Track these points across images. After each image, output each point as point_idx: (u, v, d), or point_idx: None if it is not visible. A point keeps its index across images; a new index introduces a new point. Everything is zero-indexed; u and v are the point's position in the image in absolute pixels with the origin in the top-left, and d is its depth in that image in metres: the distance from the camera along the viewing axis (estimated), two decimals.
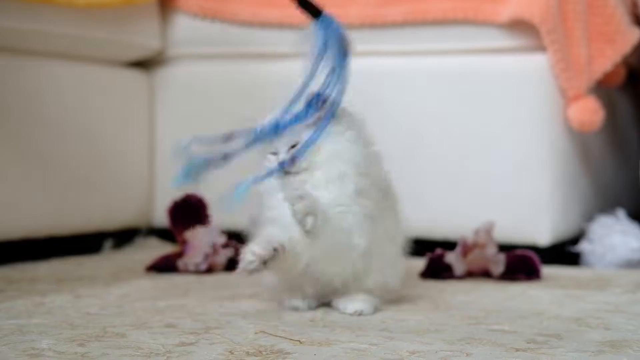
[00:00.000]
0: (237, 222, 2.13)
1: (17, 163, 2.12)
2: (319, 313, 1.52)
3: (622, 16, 2.24)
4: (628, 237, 2.17)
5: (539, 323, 1.44)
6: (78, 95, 2.30)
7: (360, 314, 1.50)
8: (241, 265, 1.42)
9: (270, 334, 1.33)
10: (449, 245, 1.97)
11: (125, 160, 2.46)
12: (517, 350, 1.24)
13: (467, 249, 1.94)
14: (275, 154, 1.49)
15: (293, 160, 1.46)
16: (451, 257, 1.93)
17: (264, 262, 1.41)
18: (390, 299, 1.59)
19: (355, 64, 2.31)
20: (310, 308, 1.55)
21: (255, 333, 1.33)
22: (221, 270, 2.02)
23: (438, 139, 2.24)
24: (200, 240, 2.01)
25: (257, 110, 1.56)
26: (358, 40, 2.29)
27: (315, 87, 1.49)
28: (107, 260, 2.21)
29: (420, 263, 1.92)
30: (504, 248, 1.96)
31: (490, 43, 2.18)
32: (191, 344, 1.26)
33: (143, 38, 2.43)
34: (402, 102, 2.27)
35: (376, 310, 1.53)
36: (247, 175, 1.43)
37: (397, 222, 1.58)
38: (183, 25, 2.48)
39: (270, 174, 1.47)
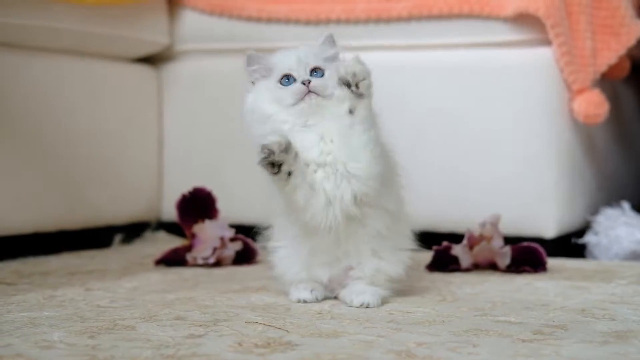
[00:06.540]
0: (245, 216, 2.16)
1: (28, 158, 2.13)
2: (326, 305, 1.53)
3: (626, 9, 2.24)
4: (633, 229, 2.16)
5: (545, 314, 1.45)
6: (87, 90, 2.32)
7: (367, 306, 1.51)
8: (262, 156, 1.43)
9: (278, 328, 1.34)
10: (456, 238, 1.98)
11: (134, 155, 2.47)
12: (524, 341, 1.25)
13: (473, 242, 1.95)
14: (288, 76, 1.54)
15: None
16: (458, 250, 1.94)
17: (285, 150, 1.43)
18: (398, 285, 1.60)
19: (362, 58, 2.33)
20: (318, 300, 1.56)
21: (264, 325, 1.34)
22: (229, 264, 2.03)
23: (444, 132, 2.25)
24: (209, 234, 2.02)
25: None
26: (364, 35, 2.31)
27: None
28: (117, 253, 2.22)
29: (427, 256, 1.92)
30: (510, 240, 1.97)
31: (496, 37, 2.19)
32: (200, 336, 1.28)
33: (151, 34, 2.44)
34: (408, 96, 2.27)
35: (383, 302, 1.54)
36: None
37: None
38: (191, 21, 2.49)
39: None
